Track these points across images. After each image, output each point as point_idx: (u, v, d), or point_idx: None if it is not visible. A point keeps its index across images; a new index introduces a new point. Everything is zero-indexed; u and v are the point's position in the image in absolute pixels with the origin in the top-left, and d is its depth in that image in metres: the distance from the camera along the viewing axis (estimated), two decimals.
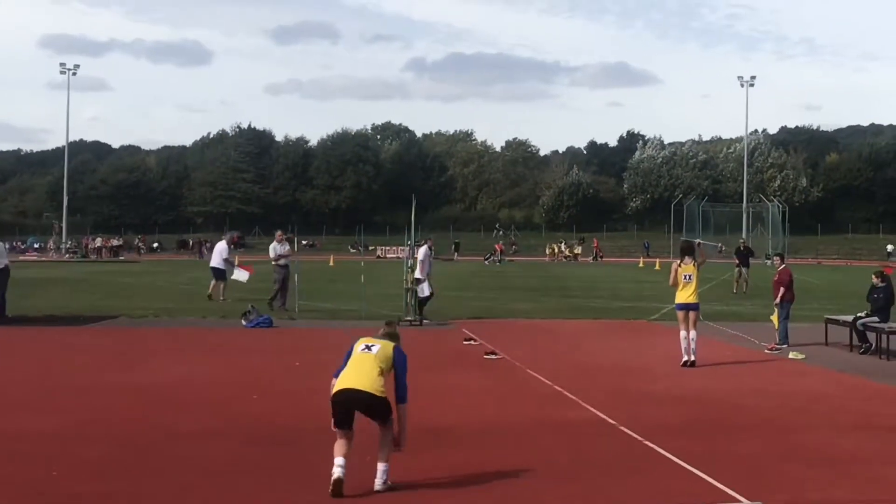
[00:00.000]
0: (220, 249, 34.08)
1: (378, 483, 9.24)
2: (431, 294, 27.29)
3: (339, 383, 9.29)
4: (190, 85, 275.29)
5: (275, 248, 30.26)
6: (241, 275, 30.49)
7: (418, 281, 27.12)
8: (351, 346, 9.73)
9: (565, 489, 9.49)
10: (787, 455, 11.06)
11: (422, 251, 27.97)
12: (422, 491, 9.29)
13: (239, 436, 11.73)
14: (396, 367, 9.51)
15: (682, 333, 18.92)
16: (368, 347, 9.56)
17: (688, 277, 19.22)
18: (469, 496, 9.20)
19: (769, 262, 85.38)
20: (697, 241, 24.80)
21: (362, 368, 9.32)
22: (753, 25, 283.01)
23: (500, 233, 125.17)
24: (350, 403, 9.17)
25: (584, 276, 59.45)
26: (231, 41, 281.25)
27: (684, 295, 19.20)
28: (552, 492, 9.38)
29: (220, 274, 33.21)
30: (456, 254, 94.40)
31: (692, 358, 18.71)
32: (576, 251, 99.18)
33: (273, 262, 30.12)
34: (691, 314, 19.01)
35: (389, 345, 9.66)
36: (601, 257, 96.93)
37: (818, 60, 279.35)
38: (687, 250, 19.80)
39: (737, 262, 42.51)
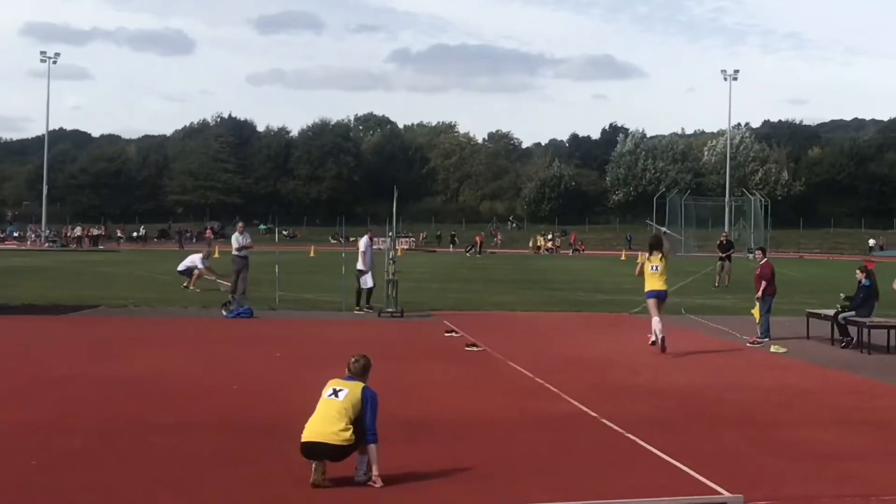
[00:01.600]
0: (194, 259, 35.30)
1: (358, 474, 9.19)
2: (374, 286, 27.25)
3: (305, 433, 9.19)
4: (172, 74, 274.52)
5: (237, 239, 29.30)
6: None
7: (361, 272, 27.11)
8: (324, 386, 9.56)
9: (547, 482, 9.44)
10: (767, 449, 11.05)
11: (363, 242, 27.84)
12: (402, 483, 9.23)
13: (219, 426, 11.66)
14: (365, 411, 9.27)
15: (655, 319, 19.73)
16: (336, 392, 9.34)
17: (655, 268, 20.12)
18: (450, 489, 9.15)
19: (751, 255, 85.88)
20: (664, 230, 25.20)
21: (327, 417, 9.17)
22: (740, 19, 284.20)
23: (496, 225, 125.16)
24: (315, 455, 9.09)
25: (565, 268, 59.50)
26: (214, 31, 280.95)
27: (656, 284, 20.08)
28: (534, 485, 9.33)
29: (188, 272, 34.49)
30: (452, 246, 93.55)
31: (662, 336, 19.43)
32: (557, 244, 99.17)
33: (235, 253, 29.22)
34: (662, 303, 20.16)
35: (358, 387, 9.39)
36: (580, 250, 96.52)
37: (804, 55, 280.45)
38: (655, 245, 20.71)
39: (720, 255, 42.59)
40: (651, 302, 20.03)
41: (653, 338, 19.85)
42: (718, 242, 44.61)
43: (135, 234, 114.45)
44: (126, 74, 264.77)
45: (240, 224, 30.63)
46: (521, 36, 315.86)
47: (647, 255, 20.56)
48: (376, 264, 27.80)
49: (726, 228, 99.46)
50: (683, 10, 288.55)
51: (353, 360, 9.68)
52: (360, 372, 9.59)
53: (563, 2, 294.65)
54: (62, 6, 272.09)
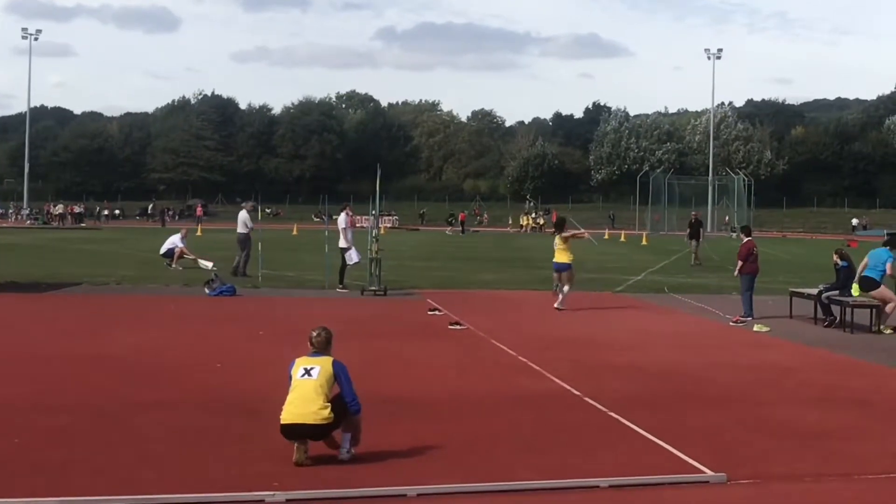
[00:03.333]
0: (174, 239, 35.08)
1: (342, 452, 9.17)
2: (359, 261, 27.32)
3: (284, 415, 9.15)
4: (156, 52, 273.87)
5: (251, 218, 30.62)
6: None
7: (345, 249, 27.09)
8: (290, 366, 9.51)
9: (530, 460, 9.44)
10: (751, 428, 11.07)
11: (342, 219, 27.84)
12: (386, 461, 9.22)
13: (202, 404, 11.63)
14: (340, 384, 9.28)
15: (556, 286, 24.01)
16: (308, 372, 9.27)
17: (556, 244, 24.19)
18: (435, 467, 9.13)
19: (734, 234, 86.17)
20: (586, 235, 29.66)
21: (304, 397, 9.12)
22: None
23: (479, 204, 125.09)
24: (297, 435, 9.06)
25: (548, 247, 59.40)
26: (199, 8, 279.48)
27: (556, 257, 24.09)
28: (517, 463, 9.33)
29: (169, 254, 34.41)
30: (449, 227, 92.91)
31: (562, 307, 23.02)
32: (540, 222, 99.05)
33: (246, 231, 30.41)
34: (563, 274, 23.64)
35: (328, 361, 9.36)
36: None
37: (790, 34, 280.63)
38: (558, 226, 25.50)
39: (688, 233, 42.97)
40: (556, 274, 24.12)
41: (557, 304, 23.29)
42: (689, 221, 44.94)
43: (116, 211, 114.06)
44: (110, 52, 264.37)
45: (250, 203, 31.42)
46: (507, 14, 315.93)
47: (558, 237, 24.39)
48: (358, 242, 27.77)
49: (709, 207, 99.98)
50: None
51: (314, 333, 9.61)
52: (323, 345, 9.56)
53: None
54: None
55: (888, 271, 20.68)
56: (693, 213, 50.32)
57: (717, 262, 40.06)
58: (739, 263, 22.80)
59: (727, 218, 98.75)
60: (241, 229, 30.81)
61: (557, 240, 24.23)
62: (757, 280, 22.92)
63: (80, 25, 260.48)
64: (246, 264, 30.37)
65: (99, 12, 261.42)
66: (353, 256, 27.06)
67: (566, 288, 23.45)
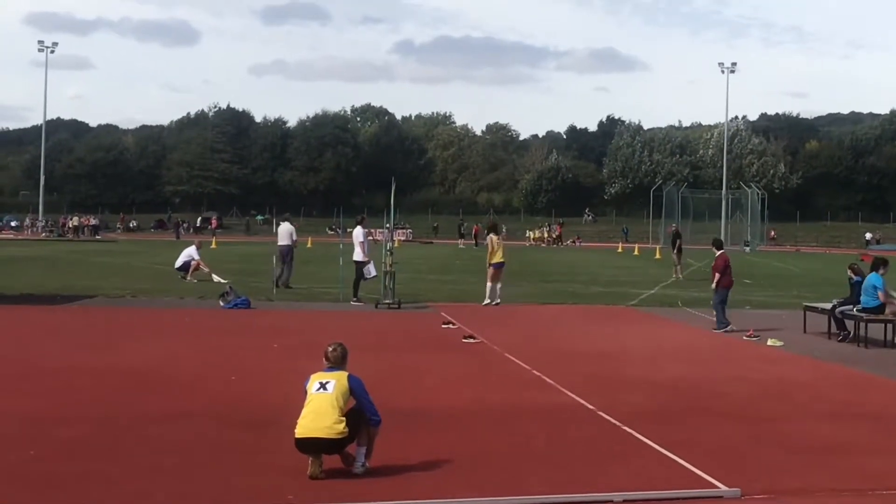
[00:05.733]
0: (189, 251, 35.03)
1: (357, 466, 9.20)
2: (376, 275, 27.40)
3: (298, 429, 9.17)
4: (174, 65, 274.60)
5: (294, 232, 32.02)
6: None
7: (363, 263, 27.13)
8: (305, 381, 9.55)
9: (544, 474, 9.45)
10: (765, 442, 11.06)
11: (361, 231, 27.89)
12: (400, 475, 9.24)
13: (216, 417, 11.66)
14: (357, 397, 9.32)
15: (489, 284, 27.37)
16: (323, 386, 9.31)
17: (500, 241, 28.13)
18: (446, 479, 9.16)
19: (747, 248, 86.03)
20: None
21: (319, 411, 9.14)
22: (741, 11, 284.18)
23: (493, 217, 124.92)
24: (312, 450, 9.09)
25: (562, 261, 59.52)
26: (219, 21, 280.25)
27: (495, 258, 27.46)
28: (529, 476, 9.34)
29: (185, 267, 34.32)
30: (461, 240, 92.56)
31: (497, 301, 27.02)
32: (555, 236, 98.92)
33: (289, 244, 31.37)
34: (500, 272, 27.39)
35: (343, 376, 9.40)
36: (560, 242, 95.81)
37: (805, 48, 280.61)
38: (491, 229, 29.71)
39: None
40: (492, 271, 27.38)
41: (491, 300, 26.99)
42: (672, 233, 45.19)
43: (131, 224, 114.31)
44: (129, 64, 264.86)
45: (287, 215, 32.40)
46: (524, 28, 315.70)
47: (495, 238, 28.21)
48: (373, 256, 27.85)
49: (723, 221, 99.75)
50: (685, 2, 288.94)
51: (330, 349, 9.65)
52: (340, 360, 9.59)
53: None
54: None
55: (881, 299, 20.45)
56: (672, 225, 50.23)
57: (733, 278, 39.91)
58: (717, 277, 22.94)
59: (748, 237, 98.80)
60: (284, 241, 31.26)
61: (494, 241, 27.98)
62: (766, 294, 22.89)
63: (99, 38, 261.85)
64: (290, 277, 30.91)
65: (118, 25, 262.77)
66: (371, 270, 27.12)
67: (498, 286, 27.45)
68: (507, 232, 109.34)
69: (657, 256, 63.91)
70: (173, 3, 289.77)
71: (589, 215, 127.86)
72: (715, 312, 22.93)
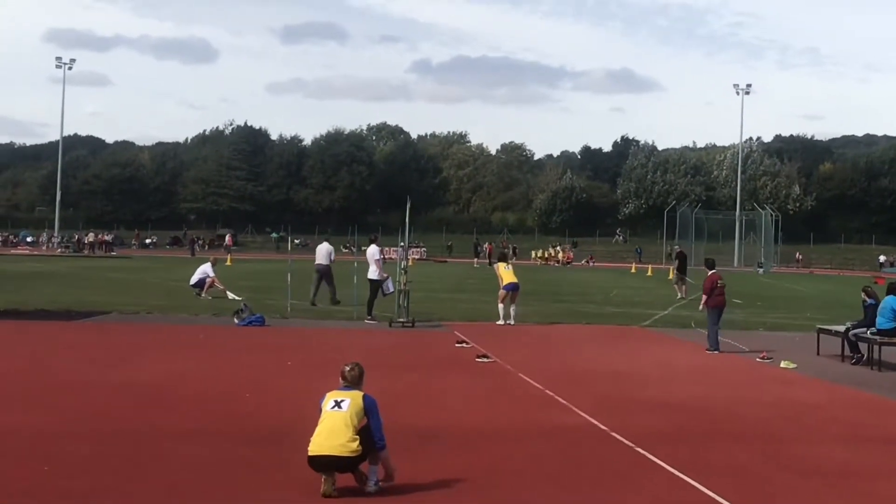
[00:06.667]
0: (204, 269, 35.19)
1: (369, 485, 9.24)
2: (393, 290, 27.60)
3: (312, 447, 9.21)
4: (193, 82, 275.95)
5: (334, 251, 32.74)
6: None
7: (378, 282, 27.27)
8: (321, 400, 9.59)
9: (556, 495, 9.47)
10: (777, 465, 11.06)
11: (376, 249, 28.05)
12: (412, 494, 9.27)
13: (230, 434, 11.70)
14: (370, 417, 9.35)
15: (501, 305, 27.45)
16: (338, 404, 9.36)
17: (507, 266, 28.13)
18: (460, 500, 9.19)
19: (760, 269, 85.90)
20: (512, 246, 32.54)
21: (333, 429, 9.19)
22: (758, 34, 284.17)
23: (507, 237, 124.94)
24: (324, 467, 9.13)
25: (575, 280, 59.48)
26: (238, 40, 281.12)
27: (510, 278, 27.44)
28: (542, 496, 9.37)
29: (199, 284, 34.44)
30: (476, 259, 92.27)
31: (511, 322, 26.84)
32: (570, 255, 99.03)
33: (329, 263, 32.05)
34: (514, 293, 27.38)
35: (358, 395, 9.45)
36: (567, 262, 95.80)
37: (821, 70, 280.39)
38: (501, 258, 30.35)
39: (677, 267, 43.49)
40: (505, 293, 27.39)
41: (504, 321, 26.92)
42: (676, 254, 45.74)
43: (147, 241, 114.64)
44: (147, 82, 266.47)
45: (327, 235, 32.89)
46: (541, 48, 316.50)
47: (502, 265, 28.50)
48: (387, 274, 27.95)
49: (736, 242, 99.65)
50: (703, 24, 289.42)
51: (347, 368, 9.72)
52: (356, 380, 9.65)
53: (583, 14, 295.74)
54: (86, 13, 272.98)
55: None
56: (676, 246, 50.56)
57: (746, 300, 39.91)
58: (704, 297, 22.95)
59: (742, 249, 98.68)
60: (323, 261, 31.76)
61: (509, 266, 28.41)
62: (779, 316, 22.84)
63: (118, 55, 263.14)
64: (335, 292, 31.63)
65: (137, 42, 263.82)
66: (389, 286, 27.30)
67: (513, 308, 27.31)
68: (520, 250, 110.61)
69: (670, 277, 63.82)
70: (192, 21, 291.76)
71: (620, 235, 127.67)
72: (708, 332, 22.91)
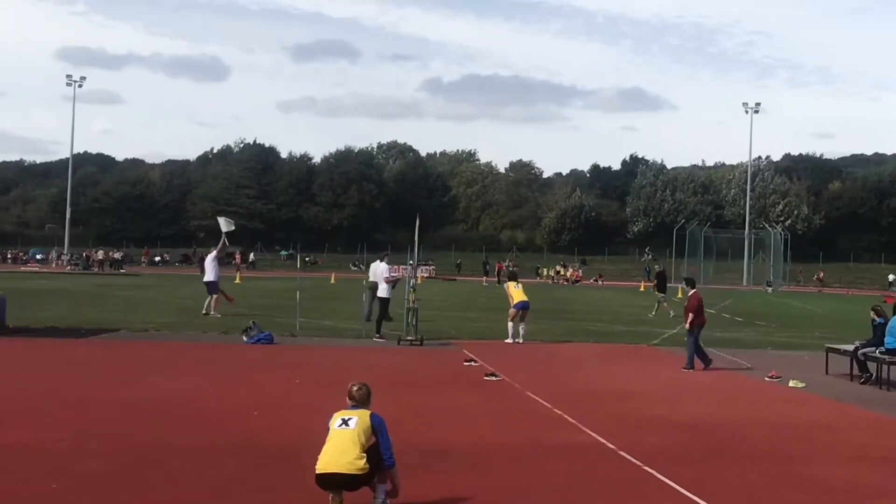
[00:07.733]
0: (210, 262, 34.96)
1: (376, 503, 9.25)
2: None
3: (319, 464, 9.21)
4: (204, 100, 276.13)
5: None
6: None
7: (388, 300, 27.51)
8: (329, 419, 9.59)
9: None
10: (785, 484, 11.05)
11: (386, 268, 28.57)
12: None
13: (238, 452, 11.73)
14: (378, 436, 9.36)
15: (510, 323, 27.71)
16: (345, 422, 9.37)
17: (518, 286, 28.56)
18: None
19: (769, 288, 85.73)
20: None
21: (340, 447, 9.19)
22: (769, 52, 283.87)
23: (515, 255, 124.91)
24: (332, 485, 9.14)
25: (584, 299, 59.45)
26: (249, 58, 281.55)
27: (520, 297, 27.82)
28: None
29: (213, 287, 33.82)
30: (485, 277, 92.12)
31: (520, 340, 27.11)
32: (579, 274, 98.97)
33: (375, 280, 30.49)
34: (524, 311, 27.65)
35: (366, 414, 9.46)
36: (574, 281, 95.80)
37: (832, 89, 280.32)
38: (511, 277, 31.01)
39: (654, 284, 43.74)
40: (515, 311, 27.64)
41: (514, 339, 27.21)
42: (657, 273, 45.98)
43: (156, 258, 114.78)
44: (159, 100, 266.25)
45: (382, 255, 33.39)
46: (552, 67, 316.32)
47: (512, 283, 28.96)
48: (396, 292, 28.00)
49: (745, 261, 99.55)
50: (713, 43, 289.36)
51: (355, 387, 9.73)
52: (364, 399, 9.67)
53: (594, 33, 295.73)
54: (99, 31, 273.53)
55: None
56: (657, 265, 50.73)
57: (755, 318, 39.84)
58: (690, 317, 22.81)
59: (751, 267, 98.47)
60: (377, 279, 31.39)
61: (515, 286, 28.56)
62: (788, 335, 22.80)
63: (129, 74, 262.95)
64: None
65: (149, 60, 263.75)
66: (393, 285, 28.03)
67: (521, 326, 27.60)
68: (524, 269, 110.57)
69: (679, 296, 63.78)
70: (204, 39, 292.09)
71: (649, 254, 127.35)
72: (686, 351, 22.82)
